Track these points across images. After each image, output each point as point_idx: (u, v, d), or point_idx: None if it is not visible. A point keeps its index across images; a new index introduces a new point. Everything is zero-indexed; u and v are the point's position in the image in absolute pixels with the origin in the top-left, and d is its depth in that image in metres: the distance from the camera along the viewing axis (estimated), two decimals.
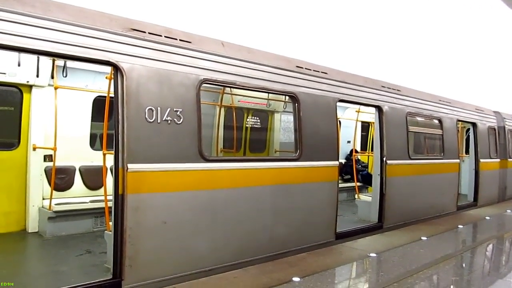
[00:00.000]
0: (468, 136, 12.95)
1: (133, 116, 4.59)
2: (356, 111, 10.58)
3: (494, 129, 13.36)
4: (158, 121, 4.78)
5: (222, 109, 9.40)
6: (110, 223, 4.87)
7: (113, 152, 4.62)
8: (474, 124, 12.16)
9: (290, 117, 8.26)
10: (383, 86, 8.73)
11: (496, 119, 13.68)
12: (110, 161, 4.90)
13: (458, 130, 11.79)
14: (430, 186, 9.91)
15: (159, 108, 4.79)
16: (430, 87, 11.84)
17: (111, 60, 4.52)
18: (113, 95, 4.70)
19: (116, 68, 4.58)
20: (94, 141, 8.03)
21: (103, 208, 5.50)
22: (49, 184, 7.01)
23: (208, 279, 5.00)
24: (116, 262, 4.55)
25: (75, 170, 7.66)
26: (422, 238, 7.48)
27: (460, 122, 11.85)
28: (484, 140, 12.51)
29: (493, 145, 13.14)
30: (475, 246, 7.66)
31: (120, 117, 4.54)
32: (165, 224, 4.85)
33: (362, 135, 13.67)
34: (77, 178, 7.68)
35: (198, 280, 4.93)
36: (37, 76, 6.75)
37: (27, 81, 6.78)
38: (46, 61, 6.67)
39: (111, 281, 4.54)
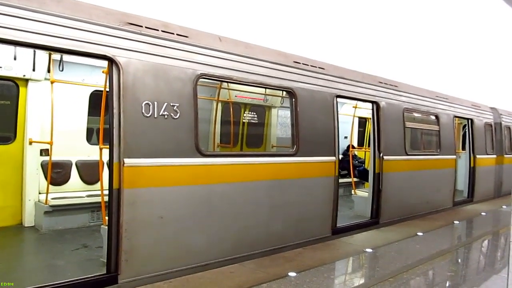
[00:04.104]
0: (465, 132, 12.98)
1: (129, 111, 4.58)
2: (353, 107, 10.58)
3: (491, 125, 13.38)
4: (155, 116, 4.76)
5: (219, 104, 9.38)
6: (106, 217, 4.86)
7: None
8: (470, 120, 12.18)
9: (287, 113, 8.24)
10: (380, 82, 8.74)
11: (493, 115, 13.70)
12: (106, 155, 4.87)
13: (455, 126, 11.80)
14: (427, 182, 9.94)
15: (155, 102, 4.77)
16: (427, 83, 11.84)
17: (107, 54, 4.50)
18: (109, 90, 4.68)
19: (112, 63, 4.56)
20: (91, 136, 8.01)
21: (100, 202, 5.48)
22: (46, 178, 6.99)
23: (205, 273, 5.00)
24: (112, 256, 4.54)
25: (71, 164, 7.64)
26: (418, 233, 7.52)
27: (457, 118, 11.86)
28: (481, 136, 12.53)
29: (490, 141, 13.17)
30: (470, 241, 7.69)
31: (116, 111, 4.52)
32: (161, 218, 4.85)
33: (359, 130, 13.67)
34: (74, 172, 7.67)
35: (195, 274, 4.93)
36: (34, 70, 6.71)
37: (23, 75, 6.74)
38: (42, 55, 6.64)
39: (107, 275, 4.54)
